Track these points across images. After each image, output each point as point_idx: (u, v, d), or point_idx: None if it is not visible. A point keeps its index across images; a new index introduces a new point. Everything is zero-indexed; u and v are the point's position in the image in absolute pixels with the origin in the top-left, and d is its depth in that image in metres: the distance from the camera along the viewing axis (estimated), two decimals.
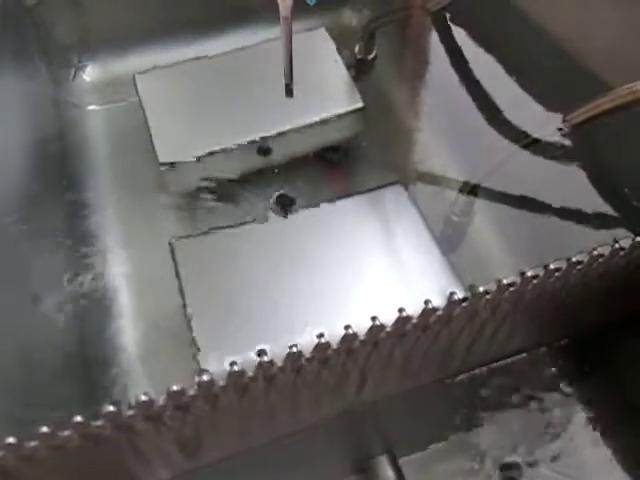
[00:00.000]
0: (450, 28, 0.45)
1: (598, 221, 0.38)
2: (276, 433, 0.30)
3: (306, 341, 0.33)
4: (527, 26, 0.40)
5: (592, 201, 0.38)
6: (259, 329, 0.35)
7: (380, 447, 0.34)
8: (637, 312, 0.35)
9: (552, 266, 0.26)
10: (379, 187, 0.42)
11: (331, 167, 0.48)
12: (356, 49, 0.51)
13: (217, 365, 0.34)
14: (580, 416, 0.36)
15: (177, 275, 0.38)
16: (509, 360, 0.36)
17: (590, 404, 0.36)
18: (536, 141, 0.40)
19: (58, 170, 0.48)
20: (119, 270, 0.45)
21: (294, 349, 0.23)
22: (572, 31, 0.37)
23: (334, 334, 0.24)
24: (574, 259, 0.26)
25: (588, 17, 0.36)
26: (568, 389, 0.37)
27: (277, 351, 0.27)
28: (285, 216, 0.42)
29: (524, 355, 0.36)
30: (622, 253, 0.27)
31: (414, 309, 0.26)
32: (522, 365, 0.36)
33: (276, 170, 0.47)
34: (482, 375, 0.36)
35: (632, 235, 0.27)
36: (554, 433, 0.36)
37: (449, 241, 0.42)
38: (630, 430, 0.35)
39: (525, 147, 0.40)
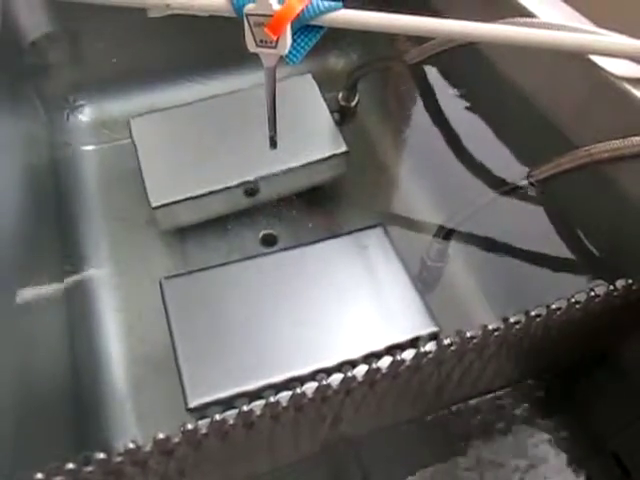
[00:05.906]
0: (427, 80, 0.47)
1: (567, 268, 0.40)
2: (257, 470, 0.32)
3: (287, 379, 0.36)
4: (502, 82, 0.42)
5: (561, 249, 0.40)
6: (244, 367, 0.37)
7: (358, 477, 0.36)
8: (599, 353, 0.37)
9: (512, 319, 0.28)
10: (362, 229, 0.44)
11: (315, 207, 0.51)
12: (339, 96, 0.54)
13: (203, 403, 0.35)
14: (551, 450, 0.38)
15: (166, 313, 0.40)
16: (479, 399, 0.38)
17: (560, 438, 0.38)
18: (511, 190, 0.42)
19: (52, 208, 0.50)
20: (110, 305, 0.46)
21: (271, 399, 0.24)
22: (543, 91, 0.39)
23: (314, 375, 0.26)
24: (532, 313, 0.28)
25: (559, 80, 0.37)
26: (536, 425, 0.39)
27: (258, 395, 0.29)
28: (271, 254, 0.44)
29: (493, 394, 0.38)
30: (578, 306, 0.29)
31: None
32: (492, 403, 0.38)
33: (262, 210, 0.50)
34: (454, 412, 0.38)
35: (586, 292, 0.29)
36: (525, 466, 0.38)
37: (426, 282, 0.44)
38: (596, 461, 0.38)
39: (503, 194, 0.42)
